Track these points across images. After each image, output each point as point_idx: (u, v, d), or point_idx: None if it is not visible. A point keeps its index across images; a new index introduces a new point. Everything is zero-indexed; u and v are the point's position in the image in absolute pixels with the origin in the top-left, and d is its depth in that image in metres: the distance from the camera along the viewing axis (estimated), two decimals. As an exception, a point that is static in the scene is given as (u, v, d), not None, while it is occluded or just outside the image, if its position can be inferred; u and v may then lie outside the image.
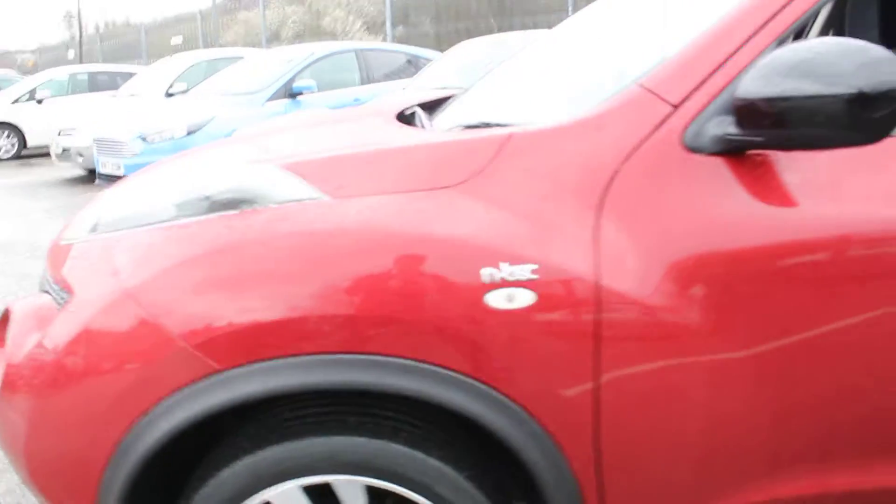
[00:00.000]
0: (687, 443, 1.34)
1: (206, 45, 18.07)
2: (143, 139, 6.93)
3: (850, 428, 1.38)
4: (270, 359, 1.28)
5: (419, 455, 1.32)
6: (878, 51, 1.20)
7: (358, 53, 8.47)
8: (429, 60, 8.40)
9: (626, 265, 1.27)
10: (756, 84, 1.24)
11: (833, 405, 1.37)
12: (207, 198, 1.39)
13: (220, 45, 18.51)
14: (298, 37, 18.53)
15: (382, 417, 1.36)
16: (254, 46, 17.18)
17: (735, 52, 1.35)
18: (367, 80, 8.29)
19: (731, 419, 1.34)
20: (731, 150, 1.31)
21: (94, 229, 1.51)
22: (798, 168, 1.33)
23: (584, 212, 1.28)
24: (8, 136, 13.11)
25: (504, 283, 1.24)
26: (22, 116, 13.05)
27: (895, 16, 2.37)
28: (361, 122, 1.89)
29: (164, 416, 1.31)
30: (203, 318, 1.29)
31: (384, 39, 15.87)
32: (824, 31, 2.80)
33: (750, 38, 1.35)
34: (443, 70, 6.98)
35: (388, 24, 13.52)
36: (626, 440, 1.32)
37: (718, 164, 1.32)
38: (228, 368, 1.28)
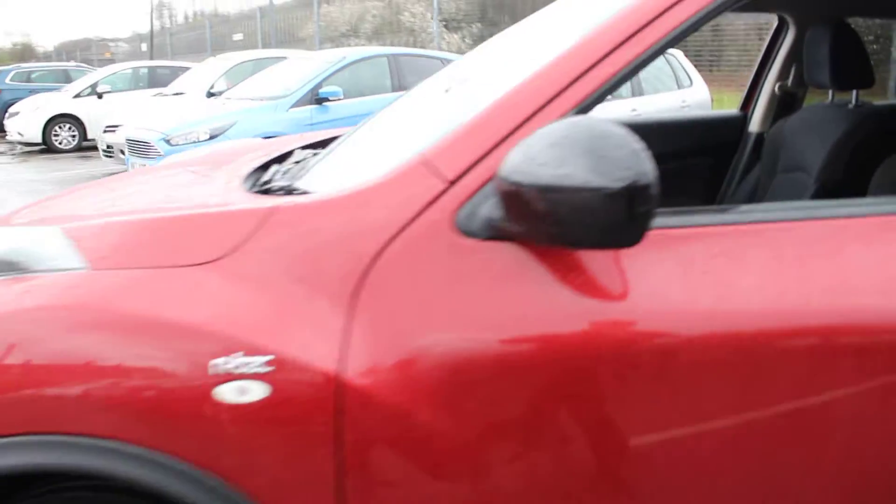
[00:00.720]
0: None
1: (275, 42, 18.30)
2: (167, 142, 7.03)
3: None
4: (9, 435, 1.22)
5: None
6: (635, 140, 1.06)
7: (390, 59, 8.40)
8: (465, 66, 8.26)
9: (379, 359, 1.16)
10: (513, 166, 1.11)
11: None
12: None
13: (300, 39, 18.70)
14: (377, 32, 18.61)
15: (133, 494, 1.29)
16: (332, 41, 17.32)
17: (524, 123, 1.22)
18: (398, 86, 8.21)
19: None
20: (500, 237, 1.18)
21: None
22: (589, 259, 1.20)
23: (336, 299, 1.18)
24: (69, 129, 13.63)
25: (234, 376, 1.15)
26: (83, 110, 13.53)
27: (845, 54, 2.17)
28: (198, 175, 1.81)
29: None
30: None
31: (462, 38, 15.74)
32: (785, 68, 2.62)
33: (543, 106, 1.22)
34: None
35: (434, 24, 13.38)
36: None
37: (494, 249, 1.19)
38: None
